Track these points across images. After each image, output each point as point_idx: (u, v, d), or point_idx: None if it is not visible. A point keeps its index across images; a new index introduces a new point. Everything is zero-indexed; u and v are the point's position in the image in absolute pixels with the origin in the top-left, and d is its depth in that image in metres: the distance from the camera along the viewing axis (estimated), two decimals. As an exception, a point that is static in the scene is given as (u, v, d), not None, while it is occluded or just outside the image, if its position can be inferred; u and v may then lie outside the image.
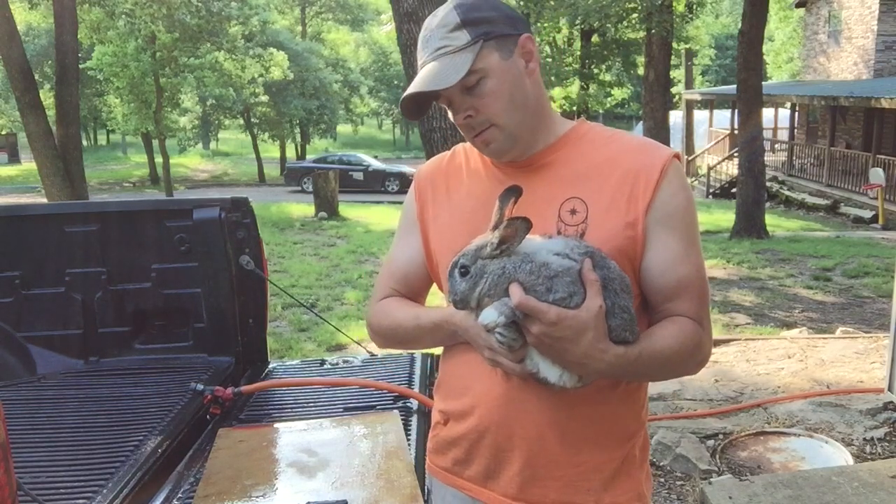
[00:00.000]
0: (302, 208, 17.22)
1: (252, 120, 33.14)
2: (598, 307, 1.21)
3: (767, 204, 15.36)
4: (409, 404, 2.42)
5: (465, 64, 1.30)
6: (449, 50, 1.31)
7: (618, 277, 1.27)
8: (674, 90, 26.11)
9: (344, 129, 48.73)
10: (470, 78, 1.31)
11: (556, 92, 22.02)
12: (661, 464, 3.66)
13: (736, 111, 14.74)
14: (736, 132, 15.35)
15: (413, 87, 1.33)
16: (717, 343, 5.74)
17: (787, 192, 19.67)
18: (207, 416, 2.42)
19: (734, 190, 15.70)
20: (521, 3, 18.71)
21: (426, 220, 1.50)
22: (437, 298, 1.55)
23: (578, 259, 1.24)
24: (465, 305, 1.28)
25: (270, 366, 2.98)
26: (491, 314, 1.23)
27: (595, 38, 23.14)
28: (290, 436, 2.17)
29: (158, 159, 28.00)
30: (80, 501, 1.82)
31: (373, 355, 3.09)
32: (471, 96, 1.33)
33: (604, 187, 1.34)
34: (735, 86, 13.74)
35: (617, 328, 1.25)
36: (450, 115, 1.42)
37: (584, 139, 1.42)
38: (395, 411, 2.30)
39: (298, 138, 36.45)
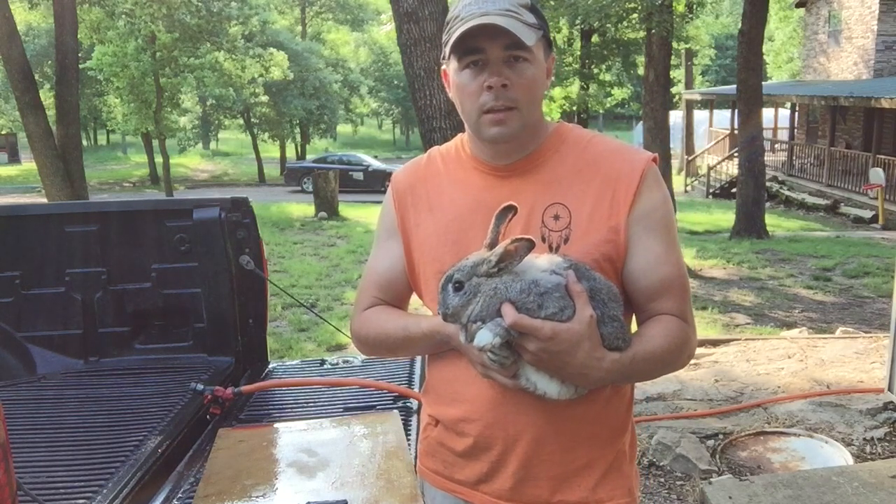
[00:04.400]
0: (302, 208, 17.21)
1: (252, 120, 33.12)
2: (588, 317, 1.24)
3: (767, 204, 15.37)
4: (409, 404, 2.42)
5: (532, 38, 1.33)
6: (519, 18, 1.32)
7: (604, 287, 1.29)
8: (674, 90, 26.09)
9: (344, 129, 48.72)
10: (524, 53, 1.33)
11: (556, 92, 22.01)
12: (661, 464, 3.66)
13: (736, 111, 14.75)
14: (736, 132, 15.35)
15: (488, 21, 1.29)
16: (717, 343, 5.74)
17: (787, 192, 19.67)
18: (207, 416, 2.42)
19: (734, 190, 15.71)
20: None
21: (408, 228, 1.49)
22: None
23: (564, 274, 1.26)
24: (456, 320, 1.29)
25: (270, 366, 2.98)
26: (486, 336, 1.23)
27: (595, 38, 23.11)
28: (290, 436, 2.17)
29: (158, 159, 27.99)
30: (80, 501, 1.82)
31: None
32: (510, 70, 1.33)
33: (586, 193, 1.37)
34: (735, 86, 13.75)
35: (609, 336, 1.27)
36: (453, 91, 1.40)
37: (564, 143, 1.43)
38: (395, 411, 2.30)
39: (298, 138, 36.43)
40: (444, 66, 1.44)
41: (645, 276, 1.36)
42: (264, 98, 30.69)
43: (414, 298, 1.57)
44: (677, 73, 30.16)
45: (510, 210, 1.30)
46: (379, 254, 1.55)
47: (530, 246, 1.23)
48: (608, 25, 21.02)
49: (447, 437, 1.45)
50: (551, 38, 1.46)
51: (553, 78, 1.46)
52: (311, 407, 2.47)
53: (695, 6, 21.73)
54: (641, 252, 1.36)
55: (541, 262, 1.28)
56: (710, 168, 23.04)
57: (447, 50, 1.36)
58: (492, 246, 1.28)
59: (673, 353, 1.36)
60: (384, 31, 30.21)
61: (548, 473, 1.38)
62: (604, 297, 1.28)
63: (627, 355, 1.29)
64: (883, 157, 16.38)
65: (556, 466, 1.38)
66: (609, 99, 26.01)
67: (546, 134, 1.44)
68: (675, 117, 26.20)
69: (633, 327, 1.41)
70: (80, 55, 14.65)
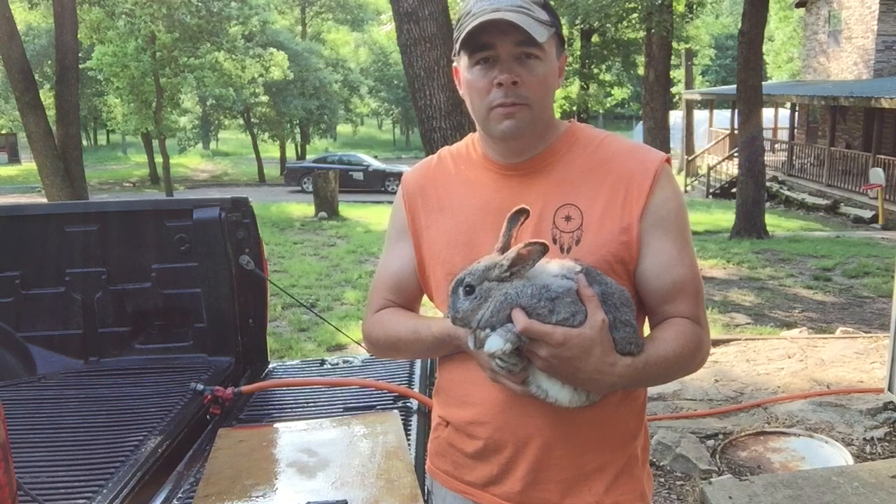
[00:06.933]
0: (302, 208, 17.20)
1: (252, 120, 33.14)
2: (600, 321, 1.22)
3: (767, 204, 15.36)
4: (409, 404, 2.42)
5: (544, 35, 1.31)
6: (531, 14, 1.31)
7: (616, 292, 1.27)
8: (674, 90, 26.10)
9: (344, 129, 48.75)
10: (535, 50, 1.32)
11: (557, 92, 22.00)
12: (661, 464, 3.66)
13: (736, 111, 14.75)
14: (736, 132, 15.35)
15: (499, 16, 1.28)
16: (717, 343, 5.74)
17: (787, 192, 19.67)
18: (207, 416, 2.42)
19: (734, 190, 15.70)
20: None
21: (418, 229, 1.48)
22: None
23: (575, 278, 1.24)
24: (465, 324, 1.28)
25: (270, 366, 2.98)
26: (497, 342, 1.21)
27: (595, 38, 23.14)
28: (290, 436, 2.17)
29: (158, 159, 28.02)
30: (80, 501, 1.82)
31: (373, 355, 3.09)
32: (521, 67, 1.32)
33: (598, 193, 1.35)
34: (735, 86, 13.75)
35: (621, 341, 1.25)
36: (464, 88, 1.39)
37: (576, 143, 1.42)
38: (395, 411, 2.30)
39: (298, 138, 36.45)
40: (454, 63, 1.42)
41: (657, 278, 1.34)
42: (264, 98, 30.72)
43: (426, 300, 1.56)
44: (677, 73, 30.18)
45: (522, 213, 1.28)
46: (390, 255, 1.54)
47: (543, 250, 1.21)
48: (608, 25, 21.05)
49: (457, 438, 1.45)
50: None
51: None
52: (311, 407, 2.47)
53: (695, 6, 21.76)
54: (654, 253, 1.34)
55: (552, 266, 1.26)
56: (710, 168, 23.04)
57: (457, 46, 1.35)
58: (503, 250, 1.26)
59: (686, 356, 1.33)
60: (384, 31, 30.18)
61: (557, 477, 1.37)
62: (615, 302, 1.26)
63: (640, 360, 1.27)
64: (883, 157, 16.38)
65: (566, 470, 1.36)
66: (609, 99, 26.03)
67: (557, 133, 1.42)
68: (675, 117, 26.23)
69: (647, 330, 1.39)
70: (80, 55, 14.65)
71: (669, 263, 1.34)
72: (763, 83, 13.67)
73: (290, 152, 36.47)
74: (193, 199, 2.99)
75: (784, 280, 8.91)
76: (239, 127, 37.70)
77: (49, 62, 28.18)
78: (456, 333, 1.33)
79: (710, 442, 3.84)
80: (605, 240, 1.33)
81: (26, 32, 29.52)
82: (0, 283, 2.88)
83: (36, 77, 12.91)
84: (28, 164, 29.18)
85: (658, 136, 17.21)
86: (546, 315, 1.20)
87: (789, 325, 6.76)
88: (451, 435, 1.47)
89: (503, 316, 1.22)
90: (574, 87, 22.88)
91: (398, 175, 24.85)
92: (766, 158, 13.65)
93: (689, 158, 25.65)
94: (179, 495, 1.86)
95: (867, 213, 15.93)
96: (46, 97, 16.54)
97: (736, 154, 15.33)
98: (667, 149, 14.98)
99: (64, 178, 10.65)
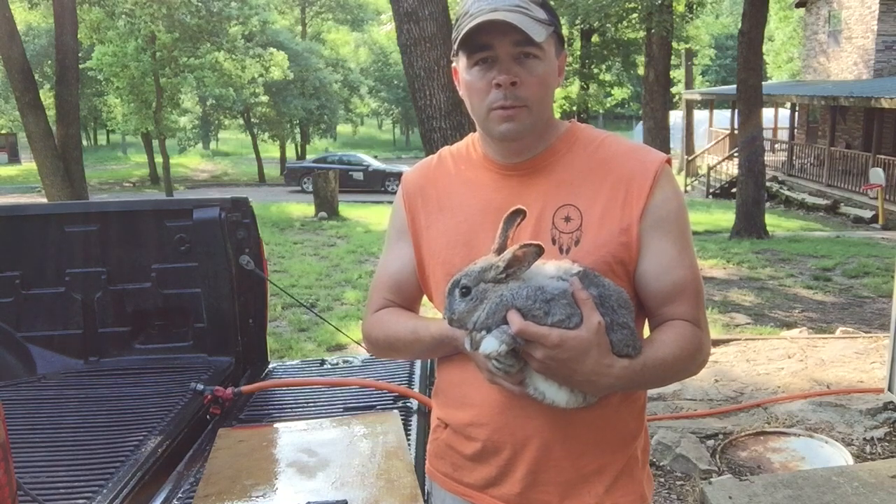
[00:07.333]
0: (302, 208, 17.20)
1: (252, 120, 33.14)
2: (596, 323, 1.21)
3: (767, 204, 15.36)
4: (409, 404, 2.42)
5: (542, 34, 1.31)
6: (529, 14, 1.30)
7: (614, 294, 1.27)
8: (674, 90, 26.11)
9: (344, 129, 48.76)
10: (534, 50, 1.31)
11: (557, 92, 21.99)
12: (661, 464, 3.66)
13: (736, 111, 14.75)
14: (736, 132, 15.35)
15: (497, 17, 1.27)
16: (717, 343, 5.74)
17: (787, 192, 19.68)
18: (207, 416, 2.42)
19: (734, 190, 15.70)
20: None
21: (417, 229, 1.48)
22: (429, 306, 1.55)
23: (571, 280, 1.24)
24: (461, 326, 1.28)
25: (270, 366, 2.98)
26: (492, 343, 1.21)
27: (595, 38, 23.16)
28: (290, 436, 2.17)
29: (158, 159, 28.02)
30: (80, 501, 1.82)
31: (372, 355, 3.09)
32: (520, 67, 1.31)
33: (597, 194, 1.34)
34: (735, 86, 13.75)
35: (618, 343, 1.25)
36: (463, 89, 1.39)
37: (576, 143, 1.41)
38: (395, 411, 2.30)
39: (298, 138, 36.45)
40: (454, 64, 1.42)
41: (657, 280, 1.33)
42: (264, 98, 30.72)
43: (426, 300, 1.56)
44: (677, 73, 30.18)
45: (518, 214, 1.27)
46: (390, 255, 1.54)
47: (539, 252, 1.21)
48: (608, 25, 21.06)
49: (456, 440, 1.45)
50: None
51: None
52: (311, 407, 2.47)
53: (695, 6, 21.78)
54: (654, 254, 1.33)
55: (548, 268, 1.25)
56: (710, 168, 23.04)
57: (456, 47, 1.35)
58: (500, 251, 1.26)
59: (685, 359, 1.32)
60: (384, 31, 30.18)
61: (556, 479, 1.36)
62: (613, 304, 1.25)
63: (638, 362, 1.26)
64: (883, 157, 16.38)
65: (565, 472, 1.36)
66: (609, 99, 26.06)
67: (558, 133, 1.42)
68: (675, 117, 26.24)
69: (647, 332, 1.39)
70: (80, 55, 14.65)
71: (669, 265, 1.34)
72: (763, 83, 13.67)
73: (290, 152, 36.48)
74: (193, 199, 2.99)
75: (784, 280, 8.91)
76: (239, 127, 37.71)
77: (49, 62, 28.19)
78: (454, 335, 1.33)
79: (710, 442, 3.84)
80: (605, 240, 1.32)
81: (26, 32, 29.53)
82: (0, 283, 2.88)
83: (36, 77, 12.92)
84: (28, 164, 29.19)
85: (658, 136, 17.24)
86: (542, 317, 1.20)
87: (789, 325, 6.76)
88: (449, 436, 1.46)
89: (499, 317, 1.21)
90: (574, 87, 22.90)
91: (398, 175, 24.83)
92: (766, 158, 13.65)
93: (689, 158, 25.65)
94: (179, 495, 1.86)
95: (867, 213, 15.93)
96: (46, 97, 16.54)
97: (736, 154, 15.33)
98: (667, 149, 14.98)
99: (64, 178, 10.65)
